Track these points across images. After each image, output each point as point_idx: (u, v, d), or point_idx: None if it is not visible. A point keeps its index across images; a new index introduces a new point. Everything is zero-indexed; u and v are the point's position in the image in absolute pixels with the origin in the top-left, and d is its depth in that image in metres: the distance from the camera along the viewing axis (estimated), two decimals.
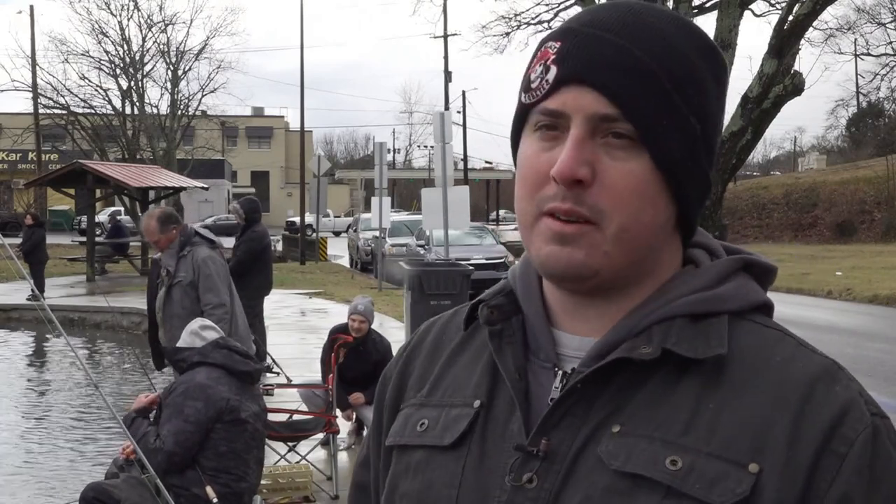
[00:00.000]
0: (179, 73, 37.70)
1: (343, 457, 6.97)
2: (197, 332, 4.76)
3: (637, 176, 0.93)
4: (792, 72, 8.48)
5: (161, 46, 37.52)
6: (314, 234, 29.03)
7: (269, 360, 9.64)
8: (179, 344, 4.76)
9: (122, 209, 36.01)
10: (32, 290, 5.09)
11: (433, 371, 1.08)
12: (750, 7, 12.12)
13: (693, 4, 10.98)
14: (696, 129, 0.95)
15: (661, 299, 0.96)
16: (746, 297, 0.98)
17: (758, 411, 0.89)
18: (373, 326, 7.69)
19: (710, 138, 0.97)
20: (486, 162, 72.69)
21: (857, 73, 56.37)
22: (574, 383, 0.94)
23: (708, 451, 0.88)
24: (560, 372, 0.98)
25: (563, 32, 0.97)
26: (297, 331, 13.44)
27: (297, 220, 37.95)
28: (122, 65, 36.96)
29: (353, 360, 7.17)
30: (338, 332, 7.35)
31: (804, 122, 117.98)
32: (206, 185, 29.07)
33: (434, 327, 1.14)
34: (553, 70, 0.94)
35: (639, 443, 0.90)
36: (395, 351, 7.17)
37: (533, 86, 0.96)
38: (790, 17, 8.26)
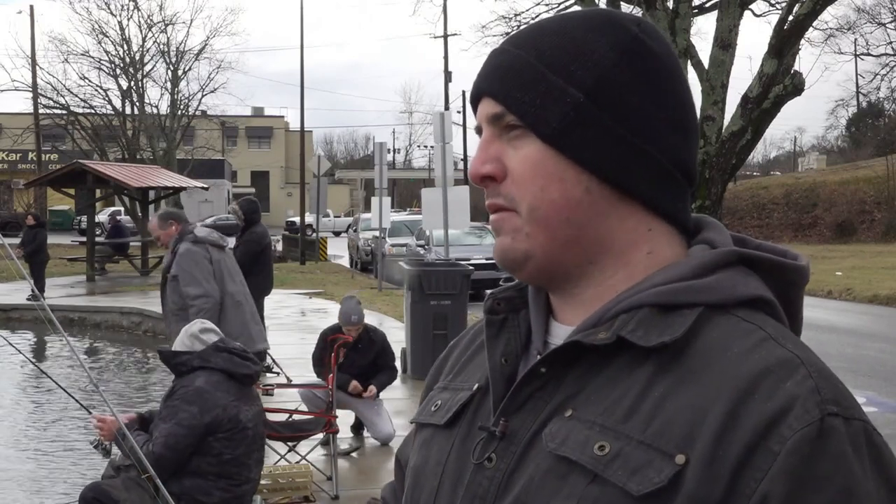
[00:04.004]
0: (179, 73, 37.70)
1: (343, 458, 6.97)
2: (196, 336, 4.73)
3: (531, 157, 0.99)
4: (792, 72, 8.47)
5: (161, 46, 37.56)
6: (314, 234, 29.04)
7: (269, 360, 9.64)
8: (177, 347, 4.72)
9: (122, 209, 36.01)
10: (32, 290, 5.08)
11: (462, 358, 1.15)
12: (750, 7, 12.13)
13: (693, 4, 10.97)
14: (577, 98, 0.97)
15: (635, 289, 0.97)
16: (731, 290, 0.95)
17: (698, 402, 0.87)
18: (374, 325, 7.71)
19: (611, 102, 0.98)
20: None
21: (857, 73, 56.52)
22: (535, 367, 0.97)
23: (640, 439, 0.88)
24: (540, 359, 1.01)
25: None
26: (297, 331, 13.44)
27: (297, 220, 37.93)
28: (122, 65, 36.97)
29: (353, 357, 7.19)
30: (330, 334, 7.34)
31: (804, 122, 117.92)
32: (206, 185, 29.07)
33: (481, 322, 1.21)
34: (471, 91, 1.06)
35: (579, 427, 0.91)
36: (392, 345, 7.19)
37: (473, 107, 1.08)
38: (790, 17, 8.26)
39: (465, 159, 51.02)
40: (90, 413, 4.50)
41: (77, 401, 5.06)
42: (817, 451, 0.83)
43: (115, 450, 4.64)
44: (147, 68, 37.43)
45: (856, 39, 50.35)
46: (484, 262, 19.07)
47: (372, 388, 7.20)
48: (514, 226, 1.00)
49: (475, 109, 1.06)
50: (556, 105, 0.98)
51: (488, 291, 1.15)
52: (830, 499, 0.82)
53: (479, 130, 1.05)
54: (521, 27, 1.12)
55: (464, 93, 53.52)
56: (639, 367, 0.92)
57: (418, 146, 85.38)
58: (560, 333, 1.02)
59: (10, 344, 5.58)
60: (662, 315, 0.94)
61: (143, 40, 37.16)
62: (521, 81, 0.99)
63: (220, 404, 4.50)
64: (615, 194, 0.98)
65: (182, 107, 37.54)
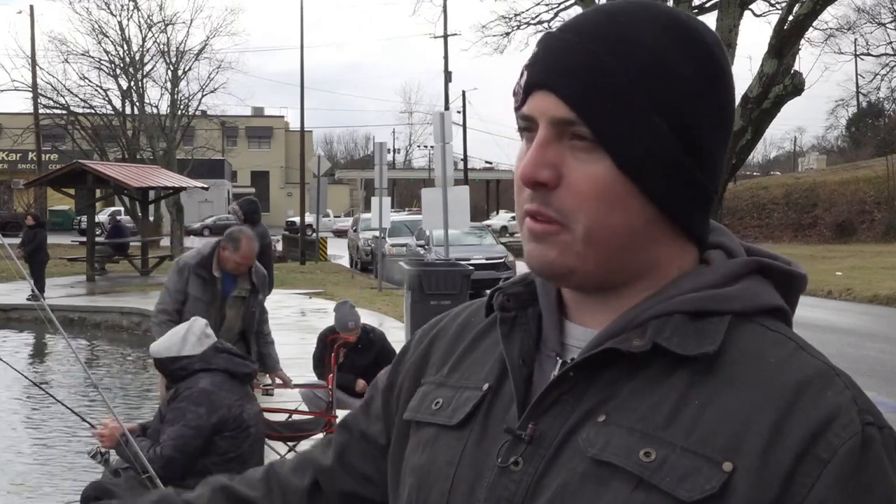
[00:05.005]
0: (179, 73, 37.69)
1: None
2: (205, 333, 4.71)
3: (599, 178, 0.93)
4: (792, 72, 8.47)
5: (161, 46, 37.54)
6: (314, 234, 29.05)
7: None
8: (176, 349, 4.66)
9: (122, 209, 36.01)
10: (32, 290, 5.07)
11: (455, 352, 1.11)
12: (750, 7, 12.12)
13: (693, 4, 10.98)
14: (661, 128, 0.93)
15: (664, 295, 0.97)
16: (754, 299, 0.96)
17: (741, 410, 0.88)
18: (374, 325, 7.70)
19: (689, 135, 0.95)
20: (486, 162, 72.96)
21: (857, 73, 56.47)
22: (565, 371, 0.96)
23: (684, 447, 0.88)
24: (560, 360, 1.00)
25: (542, 38, 1.00)
26: (297, 331, 13.43)
27: (297, 219, 37.95)
28: (122, 65, 36.97)
29: (353, 358, 7.18)
30: (329, 334, 7.34)
31: (804, 122, 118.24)
32: (206, 185, 29.07)
33: (466, 311, 1.17)
34: (525, 76, 0.98)
35: (618, 433, 0.91)
36: (392, 345, 7.12)
37: (515, 91, 1.00)
38: (790, 17, 8.26)
39: (465, 159, 51.03)
40: (94, 427, 4.48)
41: (80, 416, 5.00)
42: (863, 460, 0.86)
43: (113, 458, 4.62)
44: (147, 68, 37.43)
45: (856, 39, 50.37)
46: (484, 262, 19.10)
47: (364, 383, 7.16)
48: (564, 242, 0.95)
49: (526, 95, 0.97)
50: (640, 132, 0.93)
51: (488, 291, 1.13)
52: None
53: (526, 120, 0.98)
54: (583, 12, 1.01)
55: (464, 93, 53.55)
56: (673, 374, 0.92)
57: (418, 146, 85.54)
58: (577, 335, 1.01)
59: (10, 365, 5.55)
60: (693, 322, 0.94)
61: (143, 40, 37.17)
62: (603, 93, 0.93)
63: (226, 403, 4.52)
64: (669, 225, 0.97)
65: (182, 107, 37.53)
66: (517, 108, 0.99)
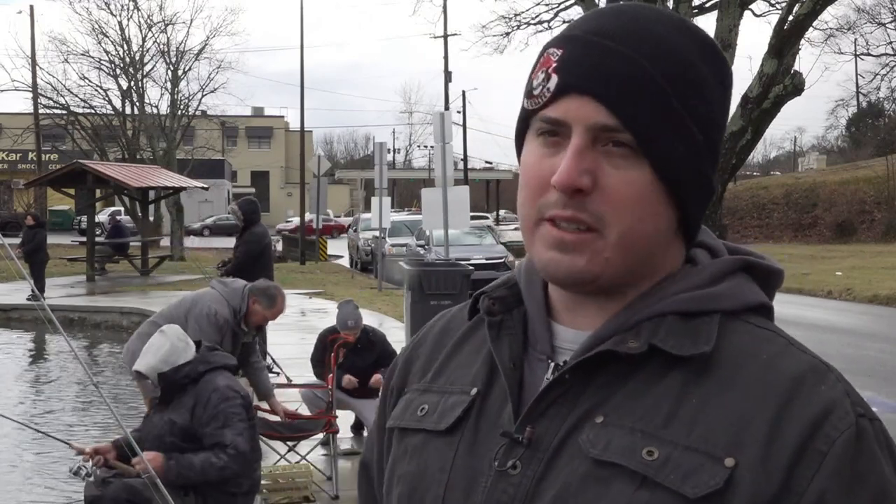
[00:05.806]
0: (179, 73, 37.62)
1: (343, 458, 6.97)
2: (187, 343, 4.69)
3: (638, 184, 0.94)
4: (792, 72, 8.47)
5: (161, 46, 37.46)
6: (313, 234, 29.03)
7: (268, 360, 9.65)
8: (172, 363, 4.58)
9: (122, 209, 35.98)
10: (32, 290, 5.08)
11: (437, 359, 1.11)
12: (750, 7, 12.12)
13: (693, 4, 10.97)
14: (698, 138, 0.96)
15: (655, 297, 0.98)
16: (741, 297, 0.98)
17: (739, 407, 0.90)
18: (374, 325, 7.70)
19: (714, 144, 0.98)
20: (487, 162, 72.95)
21: (857, 73, 56.45)
22: (561, 374, 0.96)
23: (686, 444, 0.89)
24: (552, 363, 1.00)
25: (565, 39, 0.98)
26: (297, 331, 13.44)
27: (296, 219, 37.94)
28: (122, 65, 36.90)
29: (352, 359, 7.18)
30: (329, 334, 7.33)
31: (804, 122, 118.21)
32: (206, 185, 29.06)
33: (444, 318, 1.17)
34: (554, 78, 0.95)
35: (619, 433, 0.91)
36: (393, 345, 7.16)
37: (535, 92, 0.97)
38: (790, 17, 8.25)
39: (465, 159, 51.01)
40: (87, 453, 4.45)
41: (68, 444, 4.88)
42: (858, 451, 0.89)
43: (99, 472, 4.55)
44: (147, 68, 37.33)
45: (856, 39, 50.35)
46: (484, 262, 19.09)
47: (378, 377, 7.13)
48: (595, 249, 0.95)
49: (554, 97, 0.95)
50: (681, 143, 0.94)
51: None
52: (871, 493, 0.88)
53: (554, 124, 0.96)
54: (597, 10, 1.00)
55: (464, 93, 53.51)
56: (668, 374, 0.93)
57: (418, 146, 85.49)
58: (568, 337, 1.01)
59: (5, 416, 5.57)
60: (685, 322, 0.95)
61: (143, 40, 37.08)
62: (645, 100, 0.93)
63: (243, 393, 4.66)
64: (681, 228, 1.00)
65: (182, 107, 37.45)
66: (537, 110, 0.97)
